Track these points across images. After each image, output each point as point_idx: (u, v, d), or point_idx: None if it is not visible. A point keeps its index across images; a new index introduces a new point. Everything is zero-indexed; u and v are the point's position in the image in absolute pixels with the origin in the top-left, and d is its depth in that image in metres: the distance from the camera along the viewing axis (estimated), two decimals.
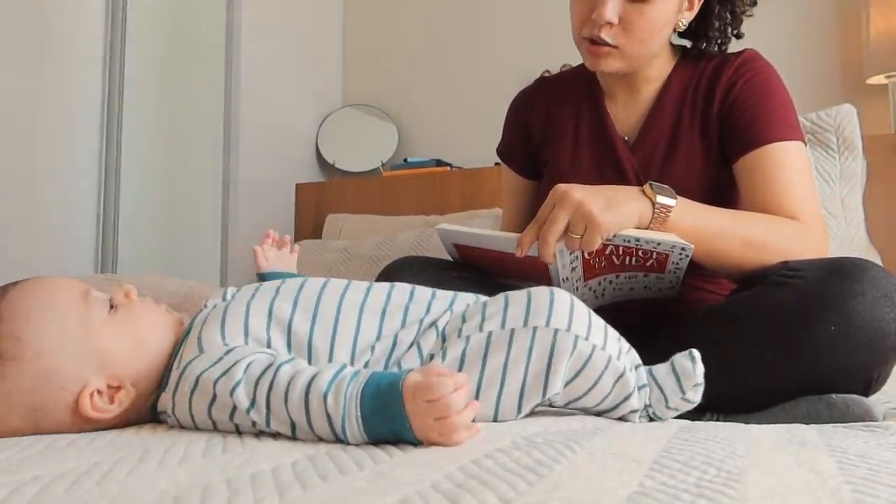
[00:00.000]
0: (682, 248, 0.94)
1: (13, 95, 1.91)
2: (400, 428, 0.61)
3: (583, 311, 0.77)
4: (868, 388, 0.87)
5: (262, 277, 1.04)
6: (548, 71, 1.35)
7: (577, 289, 1.00)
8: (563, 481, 0.48)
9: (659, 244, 0.93)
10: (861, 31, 2.15)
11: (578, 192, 0.90)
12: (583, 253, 0.94)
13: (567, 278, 0.97)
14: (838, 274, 0.86)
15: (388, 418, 0.61)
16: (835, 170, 1.77)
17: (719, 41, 1.18)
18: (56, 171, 2.02)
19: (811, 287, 0.86)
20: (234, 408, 0.67)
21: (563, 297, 0.76)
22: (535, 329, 0.73)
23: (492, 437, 0.63)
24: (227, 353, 0.71)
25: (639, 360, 0.80)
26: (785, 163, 1.06)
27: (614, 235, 0.92)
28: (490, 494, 0.45)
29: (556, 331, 0.73)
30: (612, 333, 0.78)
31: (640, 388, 0.77)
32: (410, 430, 0.60)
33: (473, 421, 0.64)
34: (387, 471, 0.52)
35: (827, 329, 0.84)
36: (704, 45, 1.18)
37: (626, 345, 0.79)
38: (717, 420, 0.90)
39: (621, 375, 0.75)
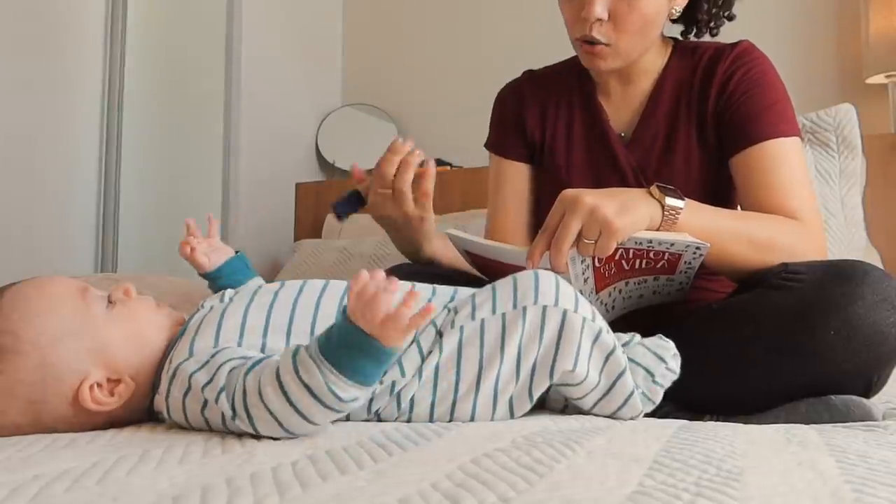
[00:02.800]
0: (697, 247, 0.93)
1: (12, 95, 1.91)
2: (374, 350, 0.61)
3: (568, 289, 0.79)
4: (868, 390, 0.87)
5: (212, 279, 0.97)
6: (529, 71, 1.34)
7: (591, 303, 0.98)
8: (563, 480, 0.48)
9: (673, 244, 0.92)
10: (860, 30, 2.15)
11: (590, 197, 0.87)
12: (594, 261, 0.92)
13: (581, 291, 0.94)
14: (838, 277, 0.86)
15: (358, 352, 0.61)
16: (834, 169, 1.77)
17: (711, 24, 1.16)
18: (56, 171, 2.02)
19: (811, 290, 0.86)
20: (223, 414, 0.67)
21: (547, 275, 0.79)
22: (524, 309, 0.76)
23: (492, 437, 0.63)
24: (213, 355, 0.71)
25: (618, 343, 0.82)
26: (783, 160, 1.05)
27: (627, 239, 0.90)
28: (490, 494, 0.45)
29: (545, 307, 0.76)
30: (598, 315, 0.81)
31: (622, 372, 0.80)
32: (381, 346, 0.61)
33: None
34: (387, 470, 0.52)
35: (827, 332, 0.83)
36: (695, 30, 1.17)
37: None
38: (717, 421, 0.90)
39: (612, 351, 0.78)
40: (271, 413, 0.63)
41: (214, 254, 0.98)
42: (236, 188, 2.42)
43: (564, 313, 0.76)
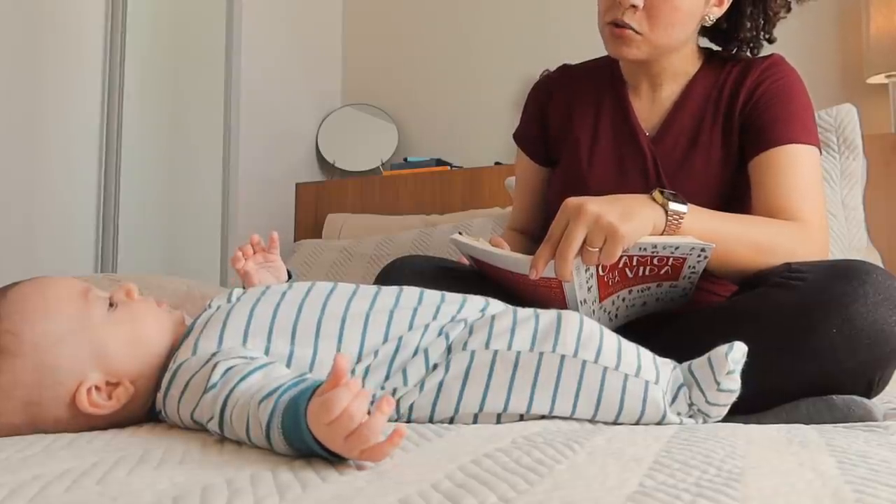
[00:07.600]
0: (702, 249, 0.92)
1: (12, 96, 1.91)
2: (325, 454, 0.55)
3: (593, 331, 0.76)
4: (870, 390, 0.87)
5: None
6: (546, 70, 1.35)
7: (594, 312, 0.97)
8: (564, 481, 0.48)
9: (677, 248, 0.92)
10: (861, 30, 2.15)
11: (593, 205, 0.87)
12: (597, 270, 0.91)
13: (584, 300, 0.94)
14: (840, 276, 0.86)
15: (309, 449, 0.55)
16: (835, 170, 1.77)
17: (751, 44, 1.18)
18: (56, 171, 2.02)
19: (813, 289, 0.86)
20: (204, 416, 0.66)
21: (571, 319, 0.76)
22: (541, 354, 0.74)
23: (492, 437, 0.63)
24: (213, 354, 0.71)
25: (672, 364, 0.78)
26: (796, 164, 1.07)
27: (632, 245, 0.89)
28: (490, 494, 0.45)
29: (563, 357, 0.74)
30: (628, 347, 0.77)
31: (679, 387, 0.76)
32: (335, 454, 0.54)
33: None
34: (387, 471, 0.52)
35: (829, 331, 0.83)
36: (736, 49, 1.18)
37: (649, 355, 0.78)
38: (718, 421, 0.89)
39: (645, 391, 0.74)
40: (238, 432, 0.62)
41: (267, 271, 1.00)
42: (236, 188, 2.41)
43: (583, 365, 0.74)
